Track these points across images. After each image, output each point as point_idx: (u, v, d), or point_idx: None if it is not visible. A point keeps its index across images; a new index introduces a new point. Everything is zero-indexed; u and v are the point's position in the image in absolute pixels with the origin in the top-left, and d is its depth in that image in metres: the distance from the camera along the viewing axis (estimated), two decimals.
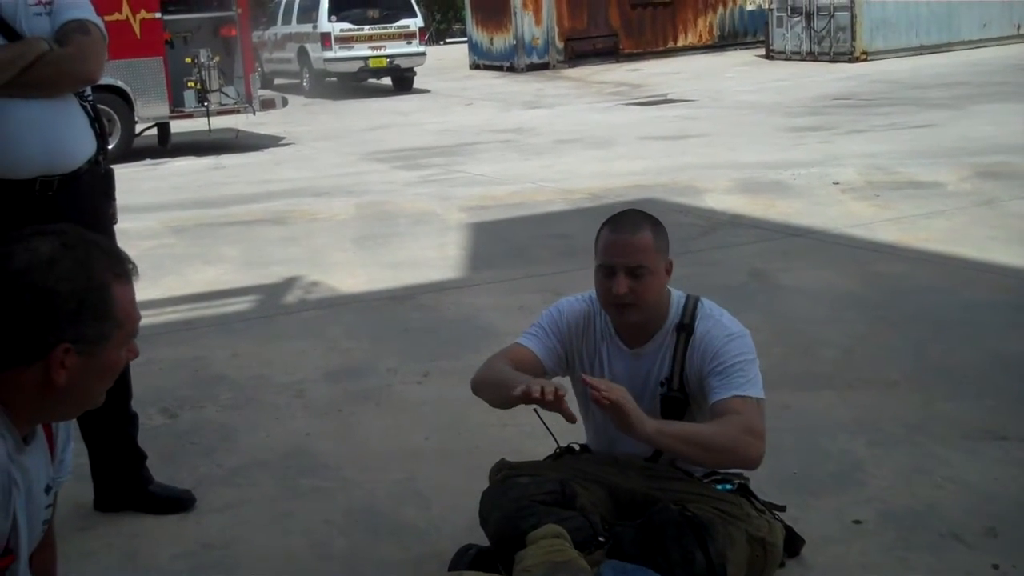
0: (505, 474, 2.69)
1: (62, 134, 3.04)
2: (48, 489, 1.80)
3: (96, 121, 3.18)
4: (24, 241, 1.64)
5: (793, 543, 2.74)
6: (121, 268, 1.71)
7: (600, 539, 2.49)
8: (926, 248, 6.09)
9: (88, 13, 3.08)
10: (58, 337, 1.61)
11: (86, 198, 3.10)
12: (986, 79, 15.16)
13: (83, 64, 3.02)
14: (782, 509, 2.77)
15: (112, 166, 3.33)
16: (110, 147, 13.81)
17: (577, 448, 2.88)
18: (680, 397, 2.67)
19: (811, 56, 20.41)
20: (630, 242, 2.58)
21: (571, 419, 2.48)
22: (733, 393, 2.55)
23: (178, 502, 3.33)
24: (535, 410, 3.01)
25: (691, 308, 2.69)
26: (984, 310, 4.93)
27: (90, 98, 3.19)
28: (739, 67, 20.46)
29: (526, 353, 2.79)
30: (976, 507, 3.05)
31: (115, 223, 3.29)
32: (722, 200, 7.84)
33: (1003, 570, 2.72)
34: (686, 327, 2.65)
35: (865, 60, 19.52)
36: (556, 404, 2.42)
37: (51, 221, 3.06)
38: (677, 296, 2.72)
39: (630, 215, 2.68)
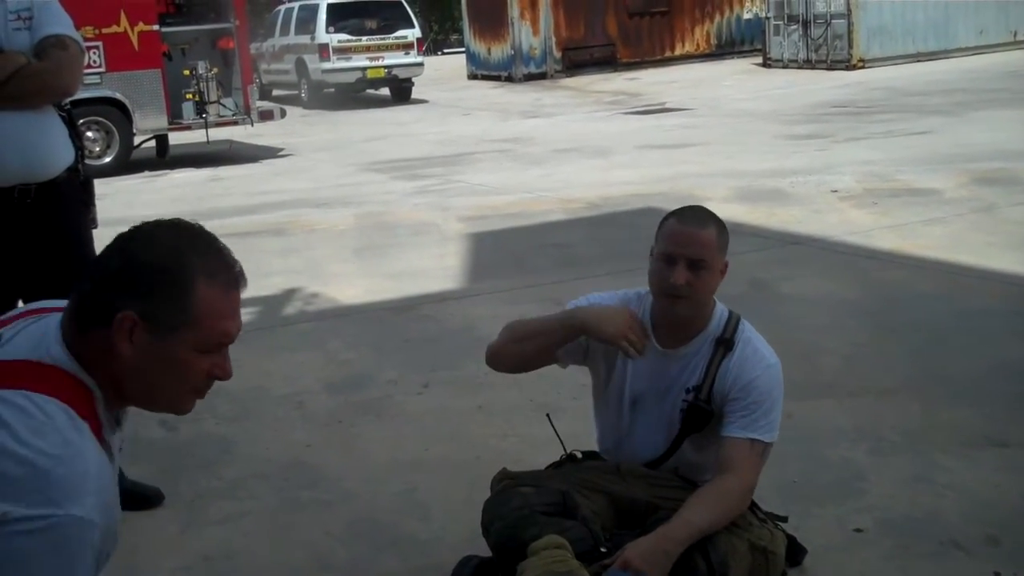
0: (506, 484, 2.69)
1: (40, 144, 3.16)
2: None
3: (74, 131, 3.31)
4: (157, 224, 1.69)
5: (795, 553, 2.74)
6: (219, 271, 1.70)
7: (602, 549, 2.49)
8: (925, 255, 6.10)
9: (67, 28, 3.20)
10: (124, 304, 1.61)
11: (63, 206, 3.24)
12: (983, 86, 15.20)
13: (60, 78, 3.16)
14: (784, 520, 2.77)
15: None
16: (108, 160, 13.69)
17: (579, 456, 2.88)
18: (707, 409, 2.65)
19: (808, 64, 20.46)
20: (696, 235, 2.57)
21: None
22: (747, 435, 2.57)
23: (145, 499, 3.36)
24: (547, 415, 3.02)
25: (733, 324, 2.68)
26: (983, 317, 4.93)
27: (67, 107, 3.32)
28: (736, 75, 20.49)
29: None
30: (977, 515, 3.05)
31: (95, 227, 3.39)
32: (721, 208, 7.70)
33: None
34: (726, 342, 2.65)
35: (862, 68, 19.56)
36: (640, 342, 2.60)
37: (29, 228, 3.13)
38: (721, 309, 2.71)
39: (699, 209, 2.69)
